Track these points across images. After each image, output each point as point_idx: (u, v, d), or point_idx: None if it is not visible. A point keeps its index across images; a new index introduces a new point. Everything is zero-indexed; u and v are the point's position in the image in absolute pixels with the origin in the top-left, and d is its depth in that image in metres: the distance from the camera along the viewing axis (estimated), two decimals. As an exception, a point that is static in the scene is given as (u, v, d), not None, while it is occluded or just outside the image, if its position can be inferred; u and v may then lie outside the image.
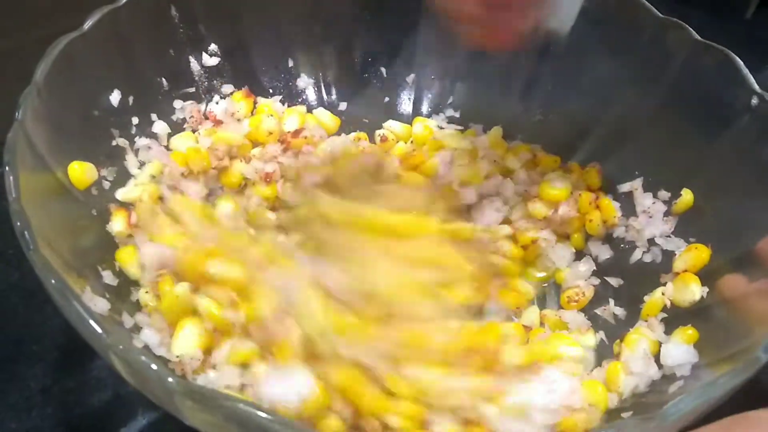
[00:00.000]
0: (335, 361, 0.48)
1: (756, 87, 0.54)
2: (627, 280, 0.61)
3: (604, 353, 0.56)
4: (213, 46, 0.67)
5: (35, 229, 0.40)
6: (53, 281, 0.39)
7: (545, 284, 0.65)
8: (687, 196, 0.58)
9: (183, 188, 0.61)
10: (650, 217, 0.61)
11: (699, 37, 0.58)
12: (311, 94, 0.74)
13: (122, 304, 0.51)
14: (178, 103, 0.66)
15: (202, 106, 0.67)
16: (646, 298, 0.57)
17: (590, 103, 0.67)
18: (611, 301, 0.60)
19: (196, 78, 0.67)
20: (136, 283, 0.54)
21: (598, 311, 0.60)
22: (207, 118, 0.67)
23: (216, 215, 0.61)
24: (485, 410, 0.48)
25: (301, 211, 0.61)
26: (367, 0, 0.72)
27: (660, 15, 0.61)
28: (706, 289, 0.53)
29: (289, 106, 0.72)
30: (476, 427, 0.48)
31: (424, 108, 0.76)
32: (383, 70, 0.75)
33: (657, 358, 0.52)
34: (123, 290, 0.53)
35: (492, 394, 0.48)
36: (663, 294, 0.55)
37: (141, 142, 0.61)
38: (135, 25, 0.59)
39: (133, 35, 0.59)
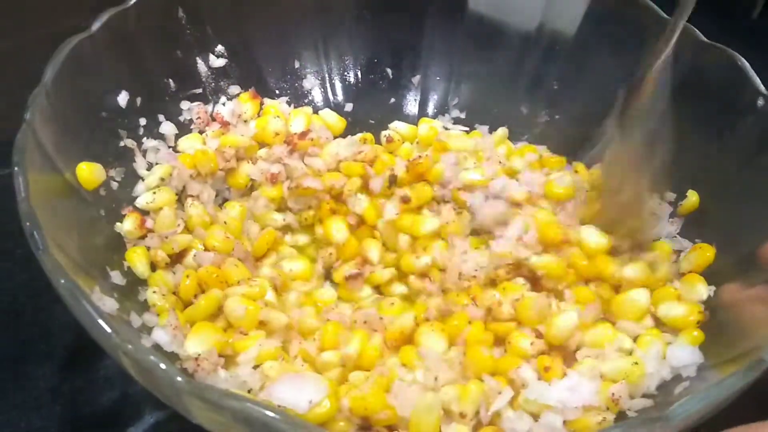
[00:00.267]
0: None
1: (762, 88, 0.54)
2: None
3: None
4: (220, 48, 0.67)
5: (44, 230, 0.41)
6: (62, 281, 0.39)
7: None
8: (693, 198, 0.58)
9: (191, 190, 0.61)
10: (656, 218, 0.61)
11: (705, 38, 0.58)
12: (317, 95, 0.74)
13: (130, 304, 0.51)
14: (185, 104, 0.66)
15: (209, 108, 0.67)
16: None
17: (596, 103, 0.66)
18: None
19: (203, 79, 0.67)
20: (143, 283, 0.55)
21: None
22: (214, 120, 0.67)
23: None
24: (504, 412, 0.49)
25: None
26: (372, 1, 0.72)
27: (665, 16, 0.61)
28: (713, 288, 0.53)
29: (295, 107, 0.72)
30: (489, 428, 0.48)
31: (430, 109, 0.76)
32: (389, 71, 0.75)
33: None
34: (131, 290, 0.53)
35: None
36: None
37: (149, 143, 0.62)
38: (142, 27, 0.59)
39: (140, 36, 0.59)
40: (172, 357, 0.49)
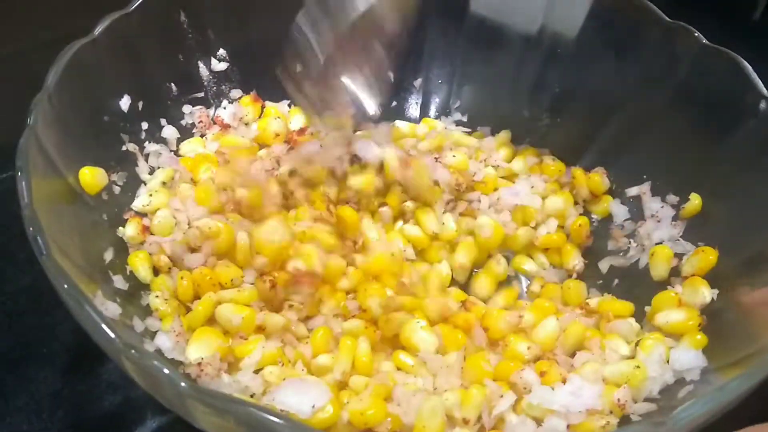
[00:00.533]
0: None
1: (764, 91, 0.54)
2: (635, 284, 0.61)
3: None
4: (221, 51, 0.67)
5: (47, 234, 0.41)
6: (65, 286, 0.39)
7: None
8: (695, 201, 0.58)
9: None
10: (658, 221, 0.61)
11: (706, 41, 0.58)
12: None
13: (133, 308, 0.51)
14: (186, 108, 0.66)
15: (211, 111, 0.67)
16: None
17: (598, 106, 0.66)
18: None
19: (205, 83, 0.67)
20: (146, 288, 0.55)
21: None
22: (215, 123, 0.67)
23: None
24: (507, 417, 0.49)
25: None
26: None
27: (667, 18, 0.60)
28: (716, 291, 0.53)
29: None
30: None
31: (432, 112, 0.76)
32: (390, 74, 0.75)
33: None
34: (134, 294, 0.53)
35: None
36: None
37: (151, 147, 0.62)
38: (144, 31, 0.59)
39: (142, 41, 0.59)
40: (175, 362, 0.49)
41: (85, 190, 0.53)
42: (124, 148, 0.59)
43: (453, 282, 0.63)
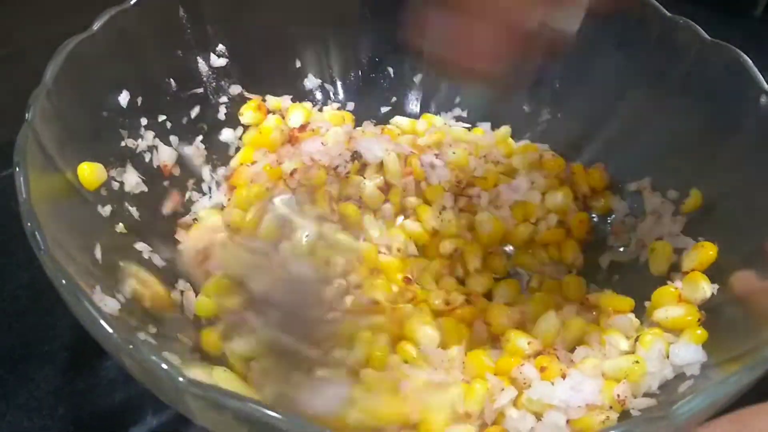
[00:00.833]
0: None
1: (765, 86, 0.54)
2: (635, 280, 0.61)
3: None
4: (221, 47, 0.67)
5: (45, 230, 0.41)
6: (63, 282, 0.39)
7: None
8: (695, 197, 0.58)
9: None
10: (659, 216, 0.61)
11: (707, 36, 0.58)
12: (318, 95, 0.74)
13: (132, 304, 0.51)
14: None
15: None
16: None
17: (598, 102, 0.66)
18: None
19: (204, 78, 0.67)
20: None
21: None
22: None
23: None
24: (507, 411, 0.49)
25: None
26: (374, 0, 0.72)
27: (668, 14, 0.60)
28: (716, 287, 0.53)
29: (296, 106, 0.72)
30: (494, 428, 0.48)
31: (432, 108, 0.76)
32: (390, 70, 0.75)
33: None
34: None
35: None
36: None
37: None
38: (143, 26, 0.59)
39: (141, 36, 0.59)
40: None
41: (84, 186, 0.52)
42: (122, 143, 0.59)
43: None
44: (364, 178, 0.65)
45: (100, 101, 0.57)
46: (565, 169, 0.68)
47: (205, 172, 0.67)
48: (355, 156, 0.65)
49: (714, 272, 0.54)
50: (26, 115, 0.46)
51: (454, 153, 0.67)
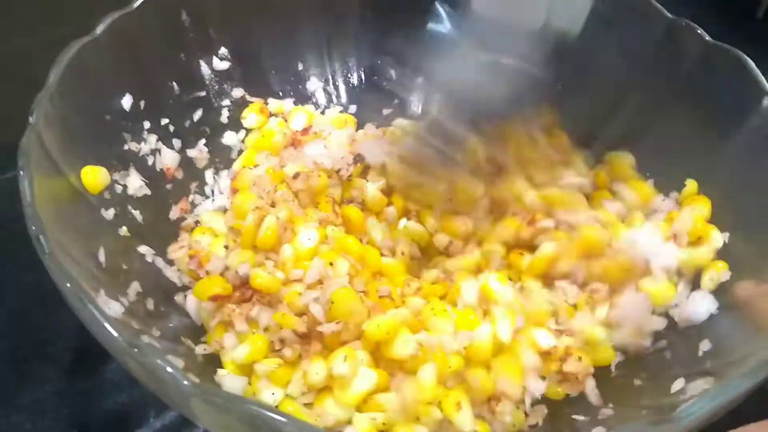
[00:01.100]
0: None
1: (767, 87, 0.54)
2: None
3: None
4: (223, 50, 0.67)
5: (49, 233, 0.41)
6: (68, 284, 0.39)
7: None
8: (691, 187, 0.59)
9: None
10: (657, 212, 0.61)
11: (709, 38, 0.58)
12: (321, 97, 0.74)
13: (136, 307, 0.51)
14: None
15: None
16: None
17: (601, 104, 0.66)
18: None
19: (207, 82, 0.67)
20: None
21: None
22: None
23: None
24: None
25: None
26: (375, 2, 0.72)
27: (670, 16, 0.60)
28: (727, 234, 0.55)
29: (299, 110, 0.72)
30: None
31: (434, 109, 0.76)
32: (392, 72, 0.75)
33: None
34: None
35: None
36: None
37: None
38: (146, 30, 0.59)
39: (144, 40, 0.60)
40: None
41: (87, 189, 0.52)
42: (126, 147, 0.59)
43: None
44: (367, 180, 0.65)
45: (103, 105, 0.57)
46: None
47: (208, 175, 0.67)
48: (358, 159, 0.65)
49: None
50: (30, 118, 0.46)
51: None
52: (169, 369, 0.36)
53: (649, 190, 0.62)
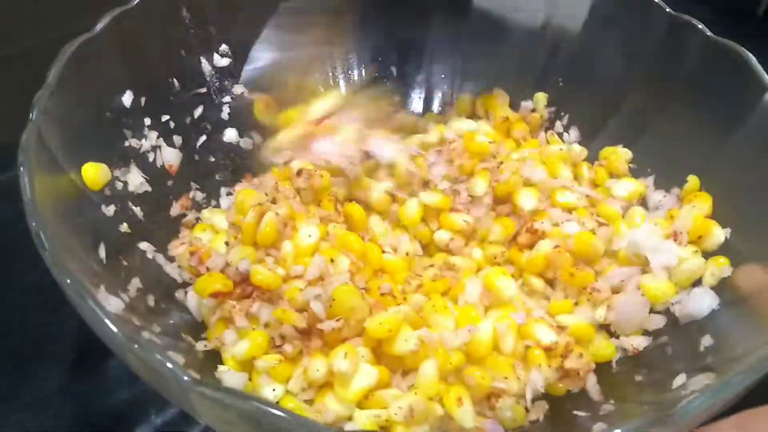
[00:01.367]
0: None
1: (768, 83, 0.54)
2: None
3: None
4: (224, 47, 0.67)
5: (49, 230, 0.41)
6: (68, 280, 0.39)
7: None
8: (692, 182, 0.59)
9: None
10: (658, 209, 0.61)
11: (711, 34, 0.58)
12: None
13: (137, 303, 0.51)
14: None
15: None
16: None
17: (602, 100, 0.66)
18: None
19: (208, 79, 0.67)
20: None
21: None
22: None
23: None
24: None
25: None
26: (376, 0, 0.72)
27: (671, 12, 0.60)
28: (729, 230, 0.55)
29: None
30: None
31: (435, 106, 0.76)
32: (393, 69, 0.75)
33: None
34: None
35: None
36: None
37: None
38: (146, 27, 0.59)
39: (144, 36, 0.59)
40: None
41: (88, 186, 0.52)
42: (126, 143, 0.59)
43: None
44: (376, 179, 0.65)
45: (104, 101, 0.57)
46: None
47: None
48: (367, 156, 0.65)
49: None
50: (30, 115, 0.46)
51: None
52: (169, 364, 0.36)
53: (641, 186, 0.63)
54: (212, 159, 0.68)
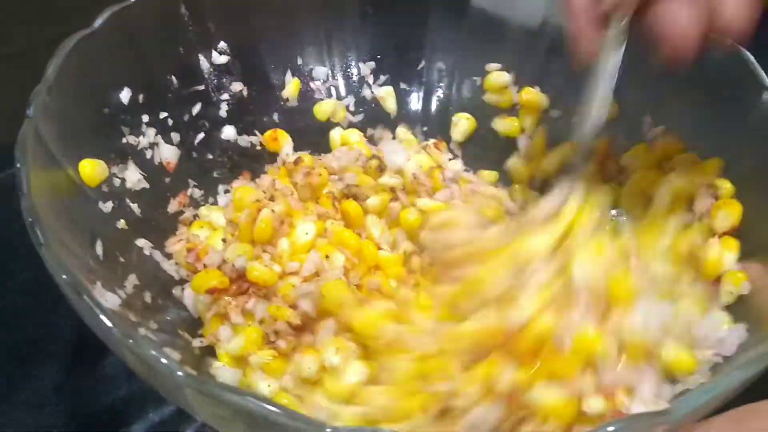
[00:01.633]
0: None
1: (767, 82, 0.53)
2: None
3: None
4: (222, 44, 0.67)
5: (46, 226, 0.41)
6: (64, 276, 0.39)
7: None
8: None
9: None
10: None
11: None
12: (322, 92, 0.74)
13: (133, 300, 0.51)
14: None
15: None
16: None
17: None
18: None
19: (206, 76, 0.67)
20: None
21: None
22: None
23: None
24: None
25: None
26: (375, -3, 0.72)
27: (670, 10, 0.60)
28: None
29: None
30: None
31: (433, 105, 0.76)
32: (391, 68, 0.75)
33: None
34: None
35: None
36: None
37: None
38: (145, 23, 0.59)
39: (142, 33, 0.59)
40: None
41: (85, 182, 0.53)
42: (124, 140, 0.59)
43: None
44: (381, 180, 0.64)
45: (102, 98, 0.57)
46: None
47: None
48: (374, 157, 0.65)
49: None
50: (27, 111, 0.46)
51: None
52: (164, 360, 0.36)
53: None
54: (210, 156, 0.68)
